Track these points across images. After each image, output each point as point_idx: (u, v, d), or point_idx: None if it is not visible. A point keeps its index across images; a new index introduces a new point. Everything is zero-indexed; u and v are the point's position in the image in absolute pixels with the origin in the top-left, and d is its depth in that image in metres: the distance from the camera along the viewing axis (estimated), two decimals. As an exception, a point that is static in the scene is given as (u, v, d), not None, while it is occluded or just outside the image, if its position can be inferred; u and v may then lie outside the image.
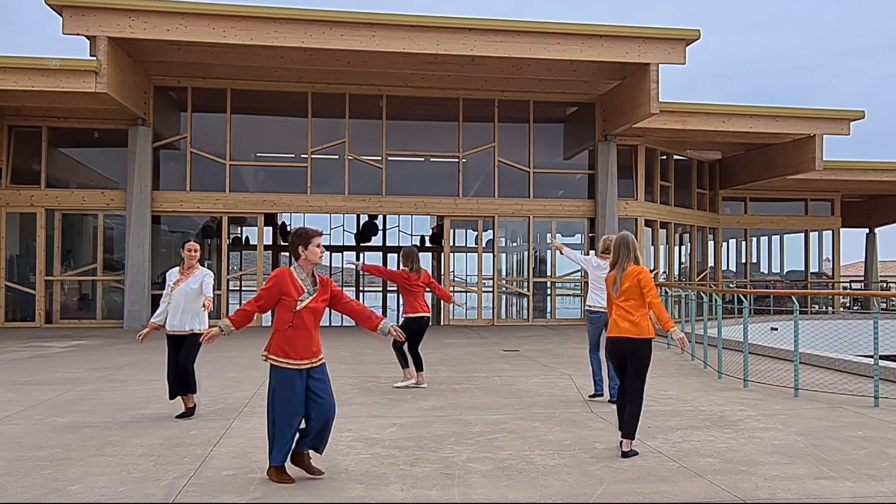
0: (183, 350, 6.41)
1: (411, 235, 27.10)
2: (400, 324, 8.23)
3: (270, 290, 4.56)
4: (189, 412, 6.54)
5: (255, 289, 17.92)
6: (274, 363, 4.55)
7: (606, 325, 6.89)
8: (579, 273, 18.82)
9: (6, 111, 16.35)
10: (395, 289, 30.79)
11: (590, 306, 7.69)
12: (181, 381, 6.45)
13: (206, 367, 9.55)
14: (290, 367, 4.53)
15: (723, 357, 9.21)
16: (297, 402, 4.53)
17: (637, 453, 5.23)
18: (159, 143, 16.79)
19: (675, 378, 9.10)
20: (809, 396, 7.71)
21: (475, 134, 17.99)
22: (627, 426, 5.25)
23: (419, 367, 8.29)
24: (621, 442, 5.27)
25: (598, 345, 7.57)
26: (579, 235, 19.29)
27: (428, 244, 26.43)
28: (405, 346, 8.16)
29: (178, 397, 6.56)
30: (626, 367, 5.40)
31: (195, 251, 6.49)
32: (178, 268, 6.56)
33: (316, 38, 14.29)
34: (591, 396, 7.63)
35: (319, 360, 4.65)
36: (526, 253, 19.33)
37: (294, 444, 4.60)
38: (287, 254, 30.91)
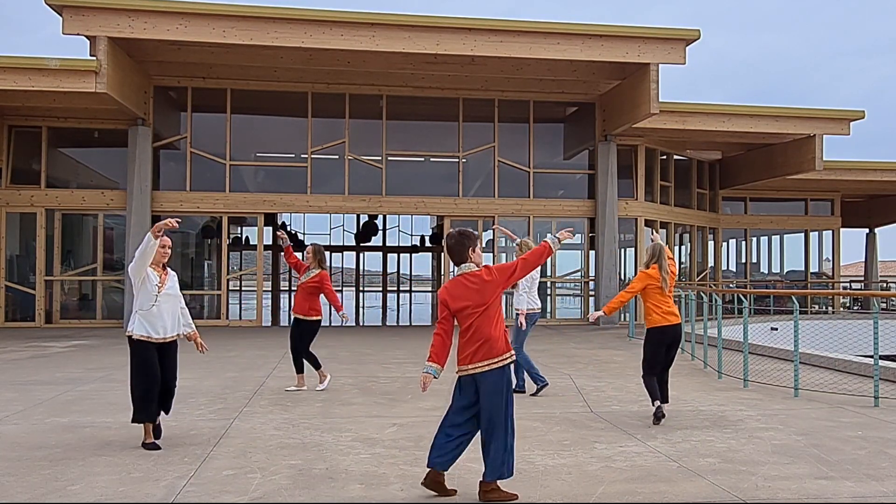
0: (171, 359, 5.62)
1: (411, 235, 27.15)
2: (300, 327, 8.04)
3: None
4: (157, 441, 5.53)
5: (254, 289, 17.92)
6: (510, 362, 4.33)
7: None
8: (580, 273, 18.85)
9: (6, 111, 16.35)
10: (395, 288, 31.01)
11: (534, 309, 8.07)
12: (166, 397, 5.60)
13: (206, 368, 9.56)
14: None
15: (723, 357, 9.21)
16: None
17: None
18: (159, 143, 16.79)
19: (675, 378, 9.06)
20: (809, 396, 7.71)
21: (475, 134, 17.99)
22: (667, 395, 6.66)
23: (313, 367, 8.11)
24: (661, 408, 6.40)
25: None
26: (579, 235, 19.28)
27: (428, 244, 26.47)
28: (302, 349, 8.05)
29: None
30: (669, 351, 6.59)
31: (170, 248, 5.74)
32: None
33: (316, 38, 14.28)
34: (539, 389, 7.81)
35: None
36: (526, 253, 19.27)
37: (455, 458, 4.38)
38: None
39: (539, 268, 7.99)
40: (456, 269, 4.48)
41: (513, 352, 4.38)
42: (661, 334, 6.48)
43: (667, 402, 6.61)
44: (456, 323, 4.39)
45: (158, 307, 5.48)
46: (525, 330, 7.94)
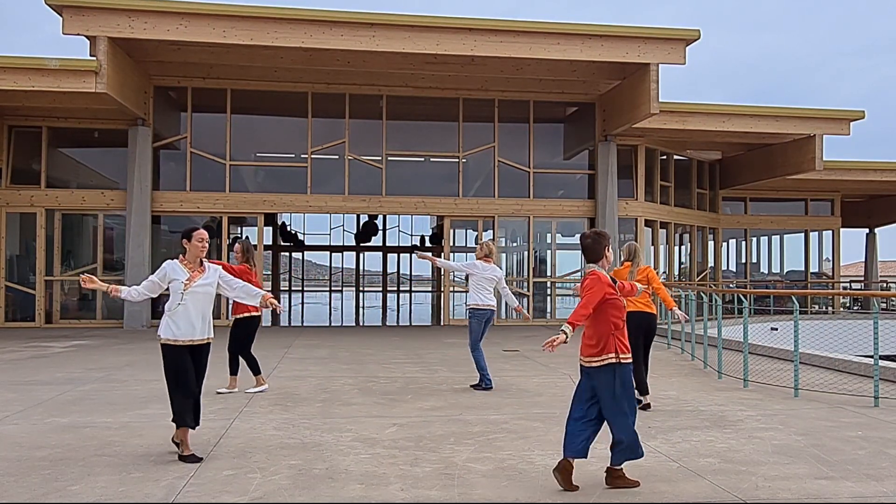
0: (201, 366, 5.34)
1: (411, 235, 27.16)
2: (232, 326, 7.90)
3: (597, 293, 4.49)
4: (191, 458, 5.10)
5: (255, 289, 17.90)
6: (626, 362, 4.54)
7: (489, 322, 8.17)
8: (580, 273, 18.83)
9: (6, 111, 16.34)
10: (395, 288, 30.96)
11: (477, 305, 8.19)
12: (197, 403, 5.33)
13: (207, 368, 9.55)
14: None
15: (723, 357, 9.21)
16: None
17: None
18: (159, 143, 16.79)
19: (675, 378, 9.10)
20: (809, 396, 7.71)
21: (475, 134, 17.99)
22: (646, 386, 6.99)
23: (257, 370, 7.94)
24: (644, 398, 6.93)
25: (480, 340, 8.17)
26: (579, 235, 19.29)
27: (428, 244, 26.47)
28: (237, 350, 7.88)
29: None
30: (640, 338, 6.98)
31: (207, 241, 5.33)
32: (176, 260, 5.30)
33: (316, 38, 14.29)
34: (473, 386, 8.14)
35: None
36: (526, 253, 19.32)
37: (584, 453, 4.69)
38: (287, 253, 30.67)
39: (490, 269, 8.26)
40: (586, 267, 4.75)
41: (606, 357, 4.48)
42: (629, 320, 7.00)
43: (646, 393, 7.02)
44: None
45: (185, 306, 5.14)
46: (474, 328, 8.15)
